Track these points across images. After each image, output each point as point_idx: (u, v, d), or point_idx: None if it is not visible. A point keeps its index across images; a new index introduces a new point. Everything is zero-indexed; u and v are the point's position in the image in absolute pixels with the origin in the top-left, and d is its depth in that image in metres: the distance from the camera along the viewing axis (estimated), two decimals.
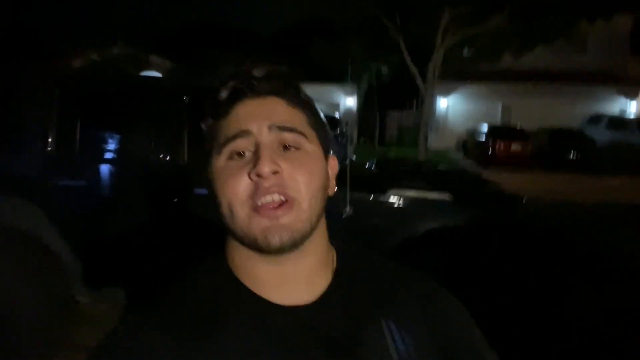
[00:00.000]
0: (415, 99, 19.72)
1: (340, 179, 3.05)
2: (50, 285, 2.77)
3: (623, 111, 19.64)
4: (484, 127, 16.15)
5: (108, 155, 3.06)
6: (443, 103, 20.78)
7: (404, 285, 0.74)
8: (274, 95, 0.67)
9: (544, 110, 18.85)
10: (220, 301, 0.66)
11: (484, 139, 15.50)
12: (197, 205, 2.35)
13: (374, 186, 3.24)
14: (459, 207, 3.21)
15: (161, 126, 3.04)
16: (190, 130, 2.92)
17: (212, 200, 0.67)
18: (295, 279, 0.67)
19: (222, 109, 0.67)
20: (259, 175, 0.61)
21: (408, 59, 14.71)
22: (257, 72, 0.67)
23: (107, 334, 0.63)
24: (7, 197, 2.78)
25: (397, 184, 3.29)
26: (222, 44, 21.52)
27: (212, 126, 0.68)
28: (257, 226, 0.62)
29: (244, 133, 0.64)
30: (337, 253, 0.74)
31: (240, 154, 0.64)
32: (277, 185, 0.62)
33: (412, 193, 3.23)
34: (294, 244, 0.63)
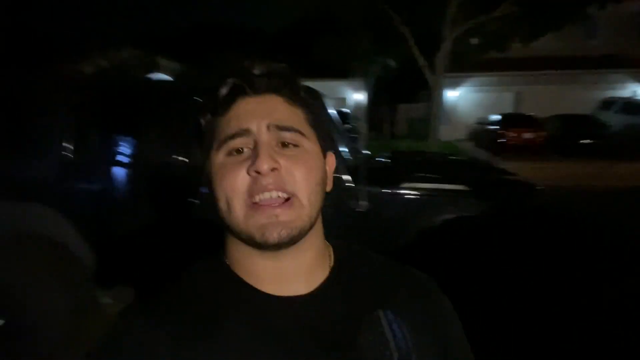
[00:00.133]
0: (424, 91, 19.60)
1: (354, 173, 3.06)
2: (75, 288, 2.82)
3: (635, 95, 19.35)
4: (495, 116, 16.00)
5: (124, 158, 3.09)
6: (453, 94, 20.63)
7: (402, 281, 0.75)
8: (273, 92, 0.68)
9: (555, 97, 18.65)
10: (218, 296, 0.67)
11: (495, 128, 15.36)
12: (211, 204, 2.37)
13: (388, 179, 3.23)
14: (474, 197, 3.19)
15: (174, 127, 3.06)
16: None
17: (211, 195, 0.68)
18: (292, 274, 0.68)
19: (222, 106, 0.68)
20: (257, 172, 0.62)
21: (416, 51, 14.61)
22: (257, 70, 0.68)
23: (106, 331, 0.64)
24: (28, 203, 2.83)
25: (411, 176, 3.28)
26: (228, 45, 21.58)
27: (211, 122, 0.69)
28: (253, 223, 0.63)
29: (244, 132, 0.65)
30: (334, 250, 0.76)
31: (238, 150, 0.65)
32: (275, 182, 0.63)
33: (427, 184, 3.22)
34: (292, 240, 0.64)
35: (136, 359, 0.60)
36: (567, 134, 14.74)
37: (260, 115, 0.66)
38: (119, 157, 3.10)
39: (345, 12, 14.06)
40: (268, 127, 0.65)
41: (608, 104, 16.93)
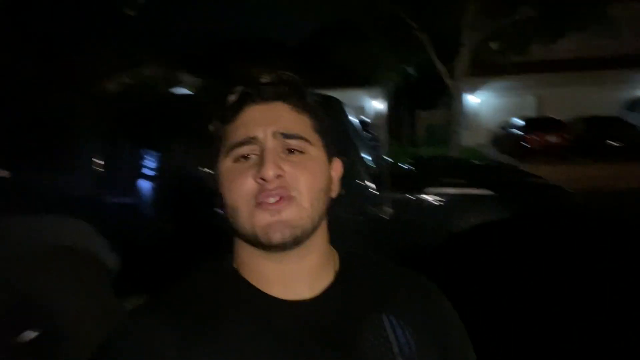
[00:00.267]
0: (444, 97, 19.47)
1: (378, 180, 3.06)
2: (105, 297, 2.88)
3: None
4: (518, 120, 15.79)
5: (152, 172, 3.16)
6: (473, 99, 20.45)
7: (405, 285, 0.76)
8: (279, 100, 0.70)
9: (578, 99, 18.30)
10: (224, 297, 0.68)
11: (518, 133, 15.16)
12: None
13: (412, 185, 3.22)
14: (501, 201, 3.15)
15: (198, 140, 3.12)
16: None
17: (219, 201, 0.70)
18: (297, 277, 0.70)
19: (230, 114, 0.70)
20: (263, 179, 0.64)
21: (434, 57, 14.54)
22: (264, 78, 0.70)
23: (113, 328, 0.65)
24: (62, 217, 2.92)
25: (435, 181, 3.26)
26: (248, 58, 21.86)
27: (220, 129, 0.71)
28: (259, 221, 0.64)
29: (251, 139, 0.67)
30: (339, 255, 0.77)
31: (245, 157, 0.67)
32: (280, 187, 0.64)
33: (451, 189, 3.20)
34: (295, 241, 0.66)
35: (143, 356, 0.62)
36: (593, 137, 14.47)
37: (266, 122, 0.67)
38: (147, 171, 3.17)
39: (362, 20, 14.11)
40: (274, 135, 0.67)
41: (634, 104, 16.55)
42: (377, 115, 21.74)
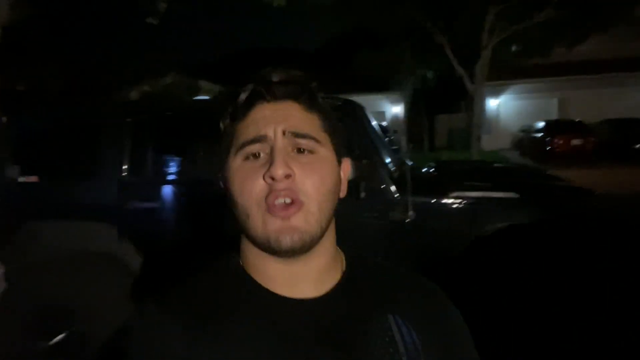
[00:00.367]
0: (464, 101, 19.30)
1: (400, 184, 3.03)
2: (129, 299, 2.93)
3: None
4: (541, 123, 15.54)
5: (177, 177, 3.21)
6: (494, 102, 20.21)
7: (409, 286, 0.77)
8: (290, 99, 0.70)
9: (601, 101, 17.94)
10: (230, 294, 0.69)
11: (541, 136, 14.91)
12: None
13: (435, 189, 3.18)
14: (527, 204, 3.10)
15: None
16: None
17: (228, 198, 0.70)
18: (304, 278, 0.70)
19: (241, 112, 0.70)
20: (272, 178, 0.64)
21: (454, 62, 14.45)
22: (275, 77, 0.70)
23: (123, 325, 0.68)
24: (90, 222, 2.99)
25: (459, 185, 3.22)
26: (267, 66, 22.03)
27: (230, 127, 0.72)
28: (271, 227, 0.65)
29: (261, 138, 0.67)
30: (346, 256, 0.77)
31: (255, 155, 0.67)
32: (289, 189, 0.65)
33: (475, 193, 3.15)
34: (304, 246, 0.66)
35: (153, 351, 0.63)
36: (618, 139, 14.14)
37: (276, 121, 0.68)
38: (171, 177, 3.22)
39: (382, 25, 14.11)
40: (284, 133, 0.67)
41: None
42: (397, 120, 21.66)
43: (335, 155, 0.73)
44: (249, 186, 0.66)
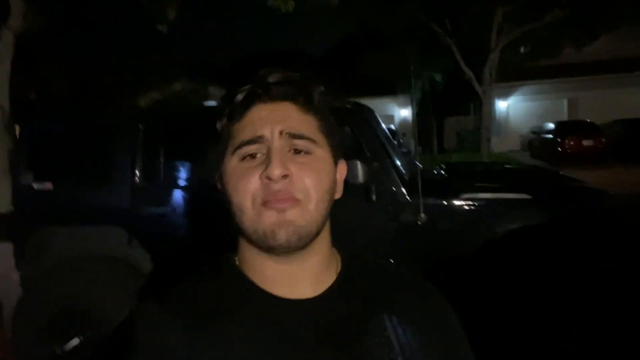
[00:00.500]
0: (472, 103, 19.23)
1: (410, 186, 3.01)
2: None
3: None
4: (551, 124, 15.43)
5: (189, 182, 3.23)
6: (503, 104, 20.11)
7: (406, 286, 0.77)
8: (287, 100, 0.70)
9: (611, 102, 17.77)
10: (227, 294, 0.69)
11: (551, 137, 14.80)
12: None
13: (446, 190, 3.17)
14: (539, 205, 3.07)
15: None
16: None
17: (224, 199, 0.70)
18: (300, 277, 0.70)
19: (238, 112, 0.70)
20: (269, 178, 0.64)
21: (462, 64, 14.41)
22: (272, 78, 0.70)
23: (123, 325, 0.69)
24: (104, 227, 3.02)
25: (470, 186, 3.20)
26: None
27: (227, 127, 0.71)
28: (267, 220, 0.64)
29: (258, 138, 0.67)
30: (341, 256, 0.77)
31: (252, 156, 0.67)
32: (286, 189, 0.65)
33: (487, 194, 3.14)
34: (299, 241, 0.66)
35: (153, 351, 0.63)
36: (630, 140, 13.98)
37: (273, 121, 0.68)
38: (183, 182, 3.24)
39: (389, 28, 14.12)
40: (281, 134, 0.67)
41: None
42: (406, 123, 21.63)
43: (332, 156, 0.73)
44: (244, 184, 0.66)
